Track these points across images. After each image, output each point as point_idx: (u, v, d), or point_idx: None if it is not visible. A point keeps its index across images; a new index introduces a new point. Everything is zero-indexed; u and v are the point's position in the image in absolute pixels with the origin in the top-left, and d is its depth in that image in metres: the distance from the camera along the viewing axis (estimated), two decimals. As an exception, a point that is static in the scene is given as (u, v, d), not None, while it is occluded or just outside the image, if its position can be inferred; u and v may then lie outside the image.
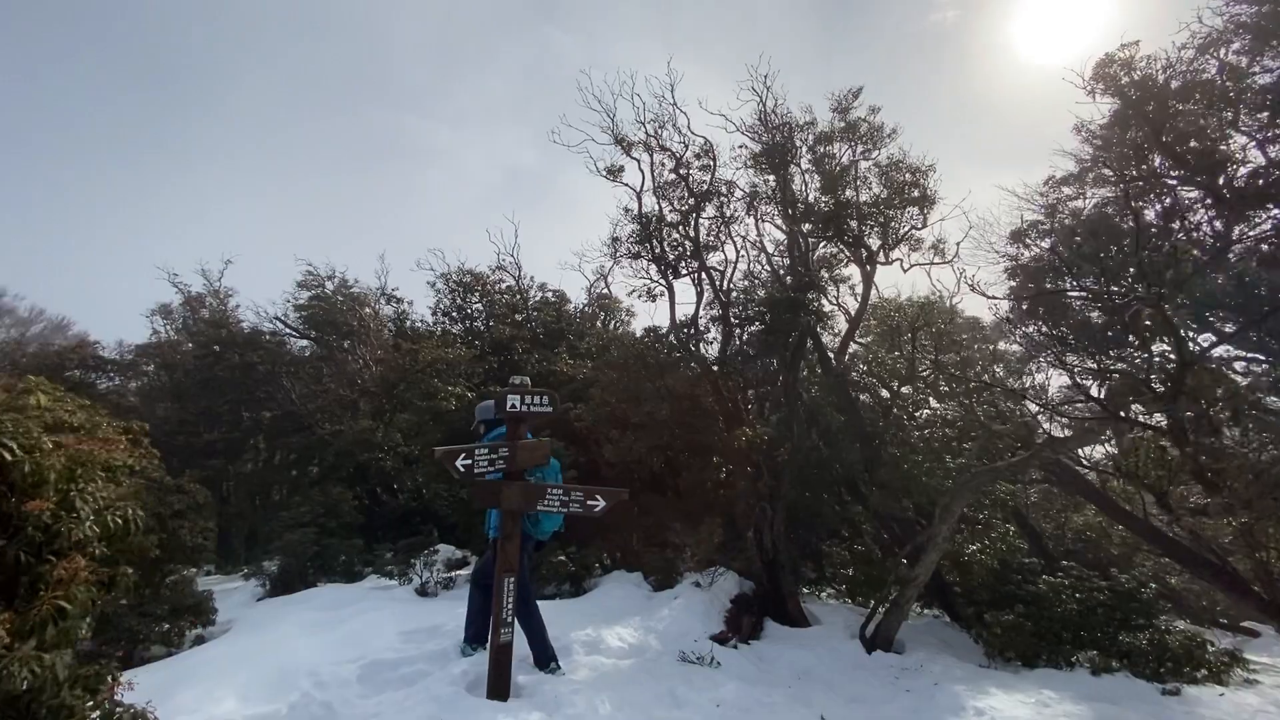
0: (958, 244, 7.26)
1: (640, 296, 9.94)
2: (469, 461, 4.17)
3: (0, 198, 54.96)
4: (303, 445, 15.36)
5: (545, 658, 4.77)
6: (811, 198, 7.87)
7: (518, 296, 16.55)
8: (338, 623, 5.95)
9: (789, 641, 6.91)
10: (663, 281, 9.20)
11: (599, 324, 16.37)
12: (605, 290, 15.92)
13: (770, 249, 8.76)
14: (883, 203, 7.07)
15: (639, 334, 10.44)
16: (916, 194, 7.02)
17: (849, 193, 7.33)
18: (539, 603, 5.07)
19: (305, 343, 17.54)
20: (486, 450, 4.31)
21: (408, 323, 14.80)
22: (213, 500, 9.18)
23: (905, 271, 7.52)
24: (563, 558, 9.10)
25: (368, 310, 15.46)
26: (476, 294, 15.81)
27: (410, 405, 11.21)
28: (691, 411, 8.80)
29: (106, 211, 59.06)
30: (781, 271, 8.51)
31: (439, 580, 8.80)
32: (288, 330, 17.49)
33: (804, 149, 7.63)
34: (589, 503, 4.41)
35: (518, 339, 14.52)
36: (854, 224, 7.12)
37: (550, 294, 17.33)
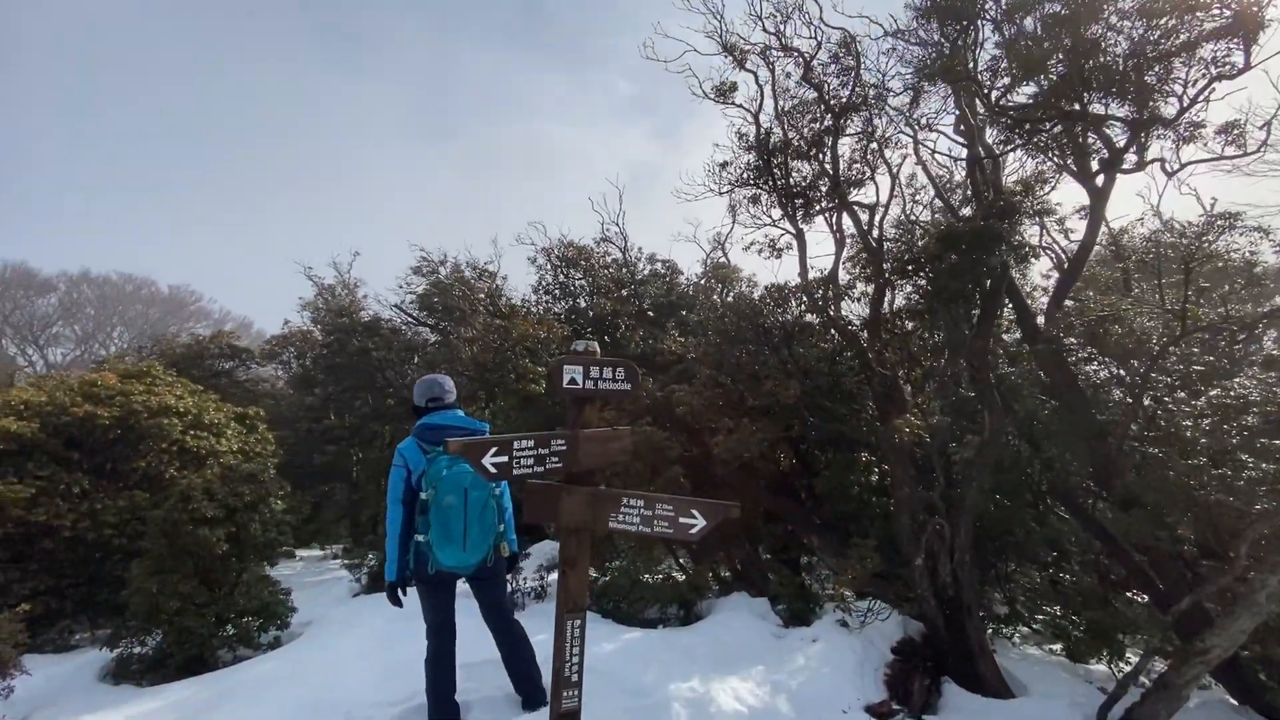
0: (1265, 125, 4.43)
1: (761, 252, 8.02)
2: (503, 458, 2.74)
3: (192, 204, 62.93)
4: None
5: (537, 698, 3.71)
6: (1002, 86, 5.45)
7: (624, 270, 15.13)
8: (407, 638, 4.80)
9: (987, 722, 4.83)
10: (789, 228, 7.22)
11: (715, 297, 14.60)
12: (723, 259, 14.13)
13: (939, 175, 6.49)
14: (1146, 50, 4.24)
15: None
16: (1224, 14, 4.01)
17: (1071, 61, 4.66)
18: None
19: (425, 329, 17.45)
20: (532, 443, 2.84)
21: (502, 299, 13.85)
22: (289, 489, 8.69)
23: (1171, 175, 4.85)
24: (672, 572, 7.51)
25: (480, 294, 14.79)
26: (579, 269, 14.59)
27: (505, 388, 10.14)
28: (830, 393, 6.80)
29: (277, 220, 66.08)
30: (957, 203, 6.24)
31: (531, 589, 7.54)
32: (405, 317, 17.46)
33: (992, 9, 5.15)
34: (682, 521, 2.87)
35: (621, 314, 13.08)
36: (1083, 105, 4.61)
37: (660, 265, 15.74)
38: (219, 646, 6.66)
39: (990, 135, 5.91)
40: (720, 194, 7.60)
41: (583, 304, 14.23)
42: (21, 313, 26.95)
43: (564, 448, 2.91)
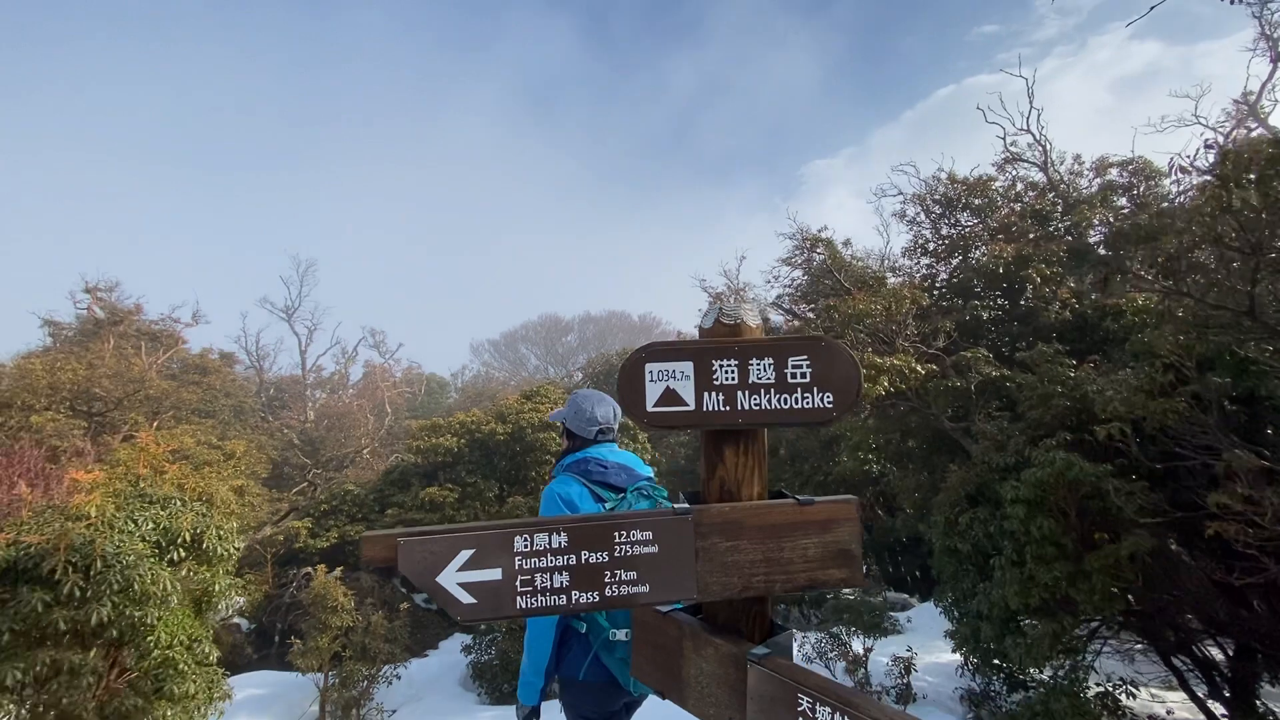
0: None
1: None
2: (492, 574, 1.32)
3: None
4: (803, 440, 13.64)
5: None
6: None
7: (1047, 195, 10.18)
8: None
9: None
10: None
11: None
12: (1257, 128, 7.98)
13: None
14: None
15: None
16: None
17: None
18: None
19: (798, 323, 16.06)
20: (564, 539, 1.33)
21: (860, 267, 10.96)
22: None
23: None
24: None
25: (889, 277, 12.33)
26: (969, 209, 10.47)
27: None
28: None
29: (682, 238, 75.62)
30: None
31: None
32: (783, 312, 16.39)
33: None
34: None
35: (1036, 259, 8.61)
36: None
37: (1117, 173, 10.08)
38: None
39: None
40: None
41: (977, 256, 10.14)
42: (557, 347, 37.26)
43: (653, 549, 1.34)
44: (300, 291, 24.70)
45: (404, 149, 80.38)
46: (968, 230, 10.48)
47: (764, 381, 1.39)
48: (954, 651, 6.82)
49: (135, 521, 5.13)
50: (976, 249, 10.12)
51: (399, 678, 7.86)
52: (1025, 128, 10.81)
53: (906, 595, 13.13)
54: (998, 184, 10.64)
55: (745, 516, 1.38)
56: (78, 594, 4.42)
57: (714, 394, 1.39)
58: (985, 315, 8.79)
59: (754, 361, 1.39)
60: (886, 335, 8.12)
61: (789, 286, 15.49)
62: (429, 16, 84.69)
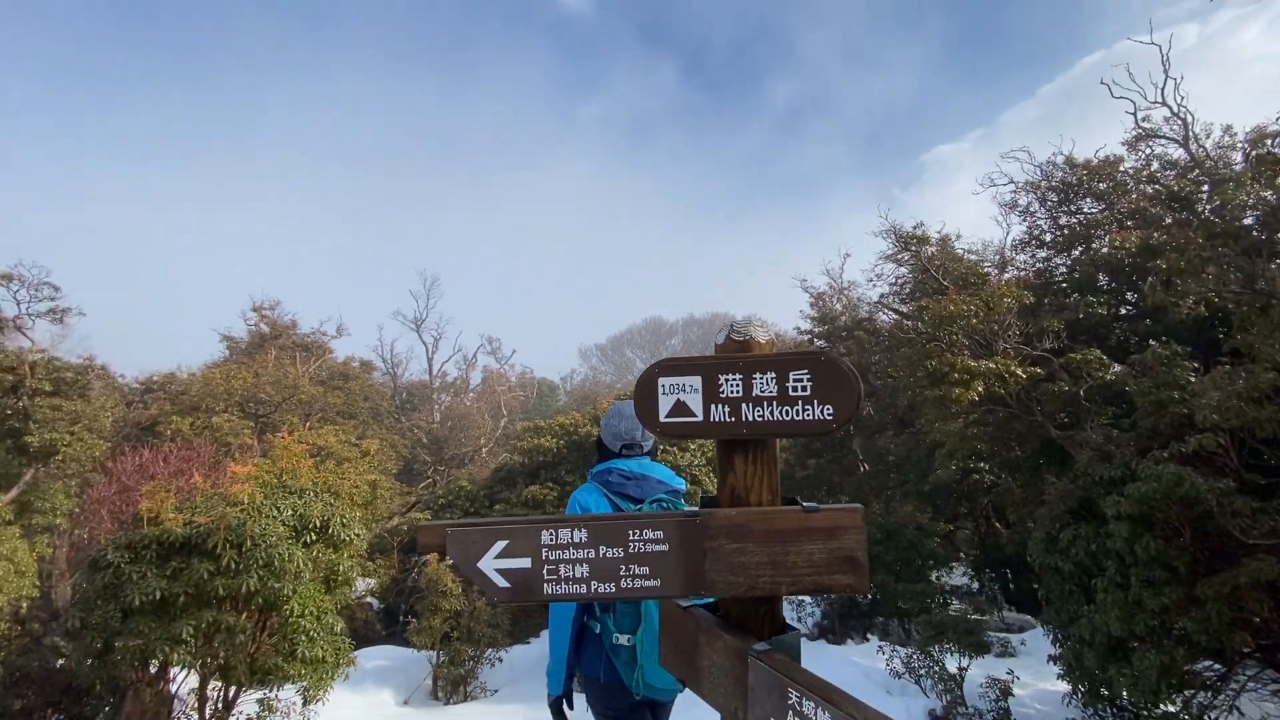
0: None
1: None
2: (521, 562, 1.50)
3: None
4: (905, 447, 13.01)
5: None
6: None
7: (1190, 174, 8.99)
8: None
9: None
10: None
11: None
12: None
13: None
14: None
15: None
16: None
17: None
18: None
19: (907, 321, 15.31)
20: (584, 535, 1.49)
21: (962, 264, 10.28)
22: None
23: None
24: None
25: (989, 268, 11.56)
26: (1090, 196, 9.47)
27: (923, 398, 7.37)
28: None
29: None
30: None
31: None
32: (888, 310, 15.74)
33: None
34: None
35: (1169, 247, 7.68)
36: None
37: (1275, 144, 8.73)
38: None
39: None
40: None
41: (1100, 247, 9.16)
42: (661, 349, 37.78)
43: (663, 547, 1.46)
44: (427, 304, 27.06)
45: (520, 172, 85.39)
46: (1090, 218, 9.52)
47: (767, 394, 1.46)
48: (1059, 679, 6.30)
49: (278, 508, 6.07)
50: (1100, 239, 9.16)
51: (500, 660, 8.54)
52: (1160, 100, 9.63)
53: (1029, 616, 12.10)
54: (1127, 165, 9.56)
55: (751, 521, 1.45)
56: (233, 566, 5.34)
57: (720, 406, 1.47)
58: (1105, 312, 7.97)
59: (757, 375, 1.47)
60: (985, 336, 7.64)
61: (894, 284, 14.86)
62: (544, 60, 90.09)
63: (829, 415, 1.42)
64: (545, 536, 1.48)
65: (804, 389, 1.45)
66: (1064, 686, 6.52)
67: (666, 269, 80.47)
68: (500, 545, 1.49)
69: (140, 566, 5.31)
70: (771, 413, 1.45)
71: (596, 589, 1.46)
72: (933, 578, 9.84)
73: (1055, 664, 6.33)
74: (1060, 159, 9.82)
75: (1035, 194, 10.09)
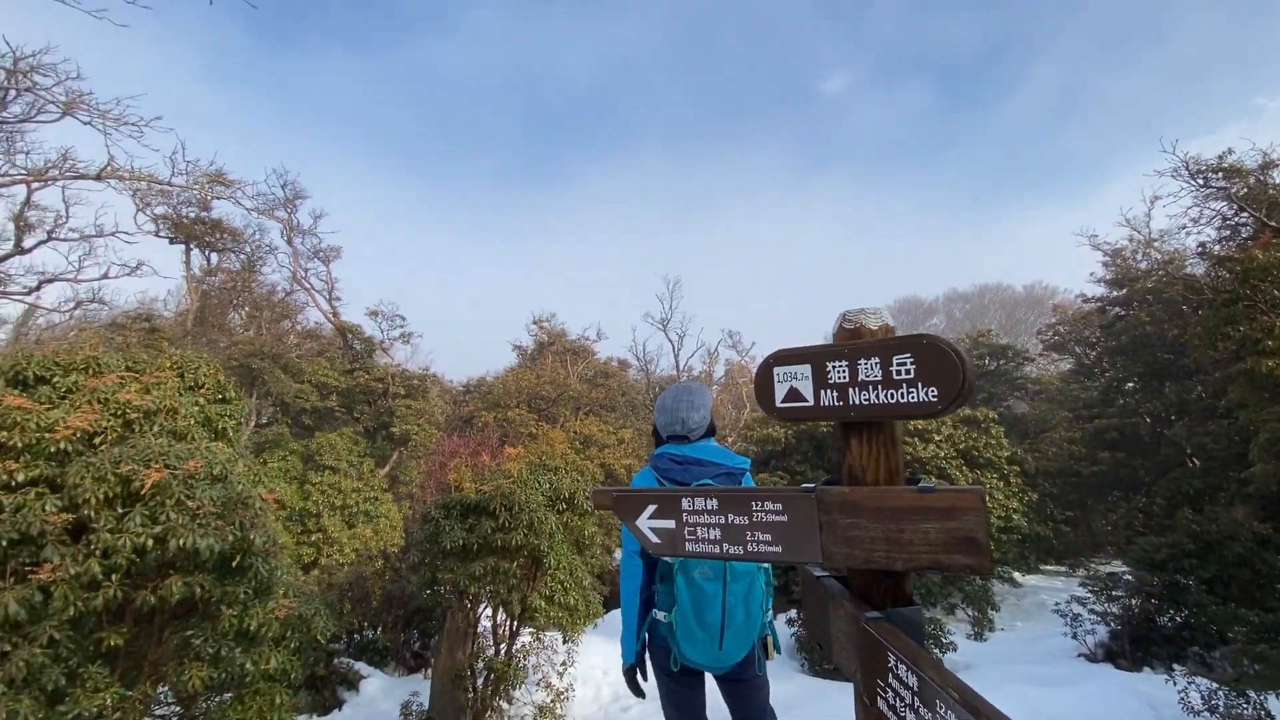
0: None
1: None
2: (667, 523, 1.81)
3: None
4: (1225, 440, 10.25)
5: None
6: None
7: None
8: None
9: None
10: None
11: None
12: None
13: None
14: None
15: None
16: None
17: None
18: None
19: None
20: (715, 503, 1.74)
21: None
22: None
23: None
24: None
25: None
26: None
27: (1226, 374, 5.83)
28: None
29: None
30: None
31: None
32: (1211, 260, 12.50)
33: None
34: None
35: None
36: None
37: None
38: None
39: None
40: None
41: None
42: (919, 330, 34.56)
43: (783, 518, 1.63)
44: (671, 305, 29.17)
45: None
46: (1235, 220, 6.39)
47: (872, 379, 1.52)
48: None
49: (538, 481, 7.54)
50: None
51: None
52: None
53: None
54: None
55: (863, 498, 1.52)
56: (506, 524, 6.84)
57: (829, 391, 1.57)
58: None
59: (862, 361, 1.53)
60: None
61: (1219, 228, 11.72)
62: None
63: (934, 398, 1.43)
64: (685, 504, 1.76)
65: (907, 372, 1.48)
66: None
67: (923, 245, 73.52)
68: (652, 509, 1.81)
69: (450, 521, 7.12)
70: (877, 396, 1.50)
71: (728, 549, 1.68)
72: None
73: None
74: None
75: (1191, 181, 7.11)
